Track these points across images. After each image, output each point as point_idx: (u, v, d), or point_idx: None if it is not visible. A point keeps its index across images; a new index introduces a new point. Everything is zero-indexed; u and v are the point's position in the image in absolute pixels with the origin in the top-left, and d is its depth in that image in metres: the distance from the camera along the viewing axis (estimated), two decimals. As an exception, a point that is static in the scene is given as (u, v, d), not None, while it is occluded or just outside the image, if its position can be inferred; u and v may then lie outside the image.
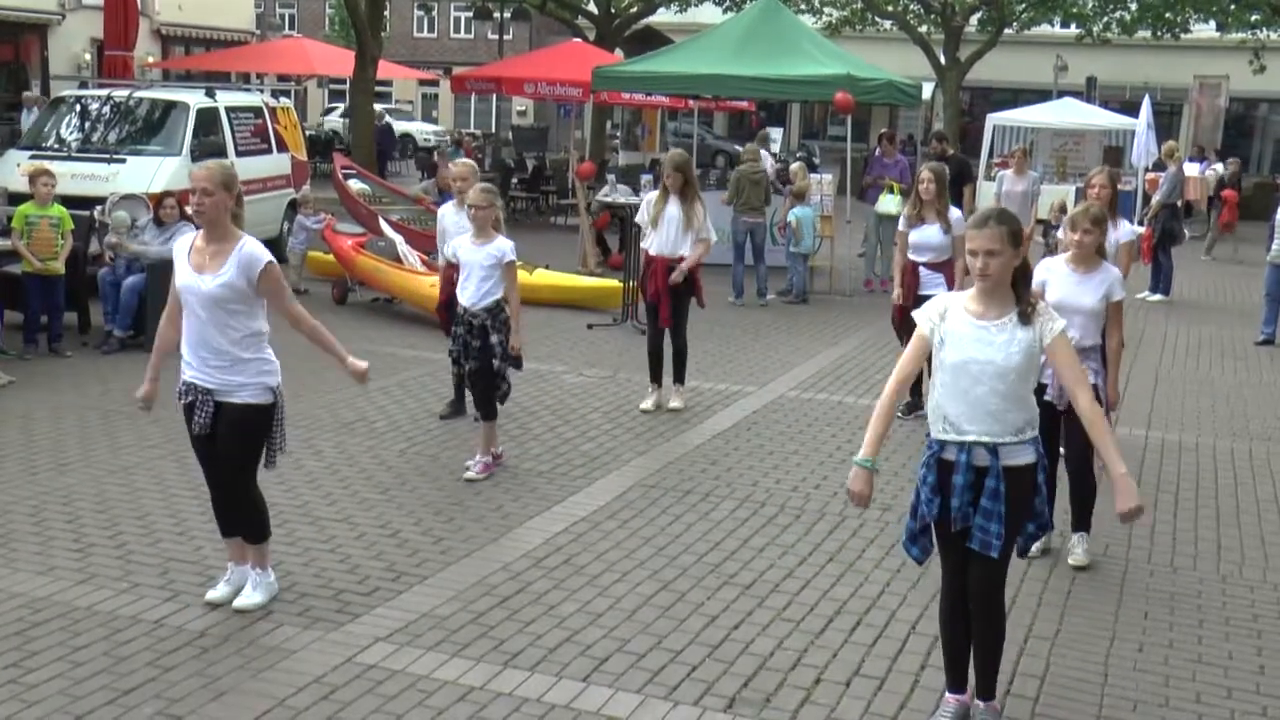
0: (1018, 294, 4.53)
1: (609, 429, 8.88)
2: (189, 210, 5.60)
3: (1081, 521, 6.65)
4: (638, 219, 9.64)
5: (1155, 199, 16.89)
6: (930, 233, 9.09)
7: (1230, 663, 5.53)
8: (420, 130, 43.24)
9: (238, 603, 5.56)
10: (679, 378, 9.57)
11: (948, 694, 4.88)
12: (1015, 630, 5.69)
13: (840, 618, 5.80)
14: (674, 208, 9.23)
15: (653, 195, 9.53)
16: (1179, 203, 17.46)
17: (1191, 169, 24.40)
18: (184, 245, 5.57)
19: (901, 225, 9.37)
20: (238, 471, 5.54)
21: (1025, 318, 4.49)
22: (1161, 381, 11.22)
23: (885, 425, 4.66)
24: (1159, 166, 20.97)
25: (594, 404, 9.56)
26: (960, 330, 4.53)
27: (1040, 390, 6.43)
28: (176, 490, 7.00)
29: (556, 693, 4.97)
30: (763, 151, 18.58)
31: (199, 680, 4.91)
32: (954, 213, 9.19)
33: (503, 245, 7.57)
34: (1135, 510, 4.45)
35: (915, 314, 4.73)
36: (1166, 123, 35.73)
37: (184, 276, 5.45)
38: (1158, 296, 16.21)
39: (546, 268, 14.57)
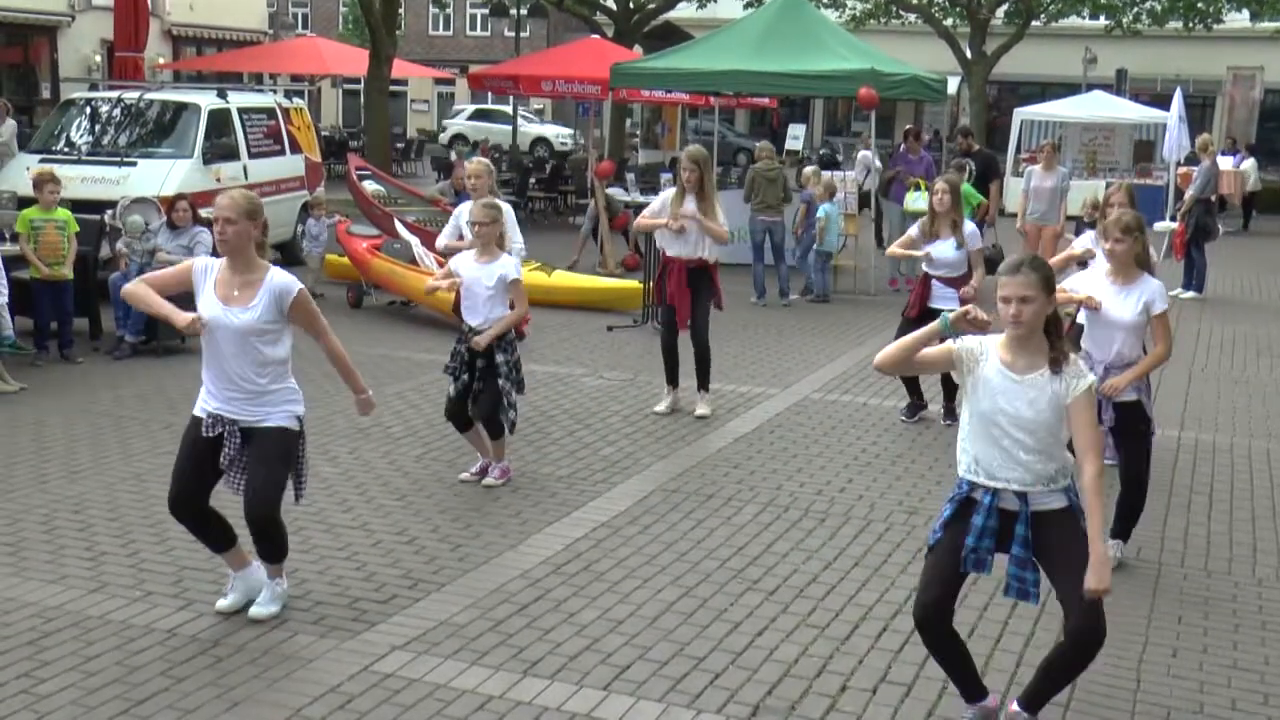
0: (1050, 341, 4.41)
1: (629, 433, 8.77)
2: (211, 225, 5.46)
3: (1123, 531, 6.51)
4: (646, 211, 9.45)
5: (1188, 194, 16.68)
6: (944, 248, 8.96)
7: (1266, 668, 5.41)
8: (557, 134, 42.28)
9: (253, 612, 5.48)
10: (703, 383, 9.37)
11: (967, 708, 4.78)
12: (1045, 635, 5.60)
13: (866, 623, 5.69)
14: (692, 207, 9.07)
15: (669, 194, 9.34)
16: (1213, 197, 17.24)
17: (1225, 163, 24.14)
18: (204, 271, 5.40)
19: (914, 231, 9.23)
20: (265, 504, 5.37)
21: (1055, 365, 4.38)
22: (1195, 380, 11.06)
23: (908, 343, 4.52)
24: (1191, 161, 20.76)
25: (614, 407, 9.46)
26: (991, 379, 4.42)
27: None
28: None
29: (577, 701, 4.87)
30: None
31: (213, 690, 4.84)
32: (968, 226, 9.08)
33: (506, 264, 7.31)
34: (1103, 591, 4.33)
35: (958, 343, 4.51)
36: (1199, 116, 35.43)
37: (211, 309, 5.31)
38: (1190, 293, 16.01)
39: (574, 264, 14.45)
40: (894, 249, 9.71)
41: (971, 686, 4.73)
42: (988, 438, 4.44)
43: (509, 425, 7.44)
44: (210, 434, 5.39)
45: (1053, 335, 4.43)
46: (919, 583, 4.67)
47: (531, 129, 41.94)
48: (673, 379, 9.42)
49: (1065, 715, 4.91)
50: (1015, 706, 4.70)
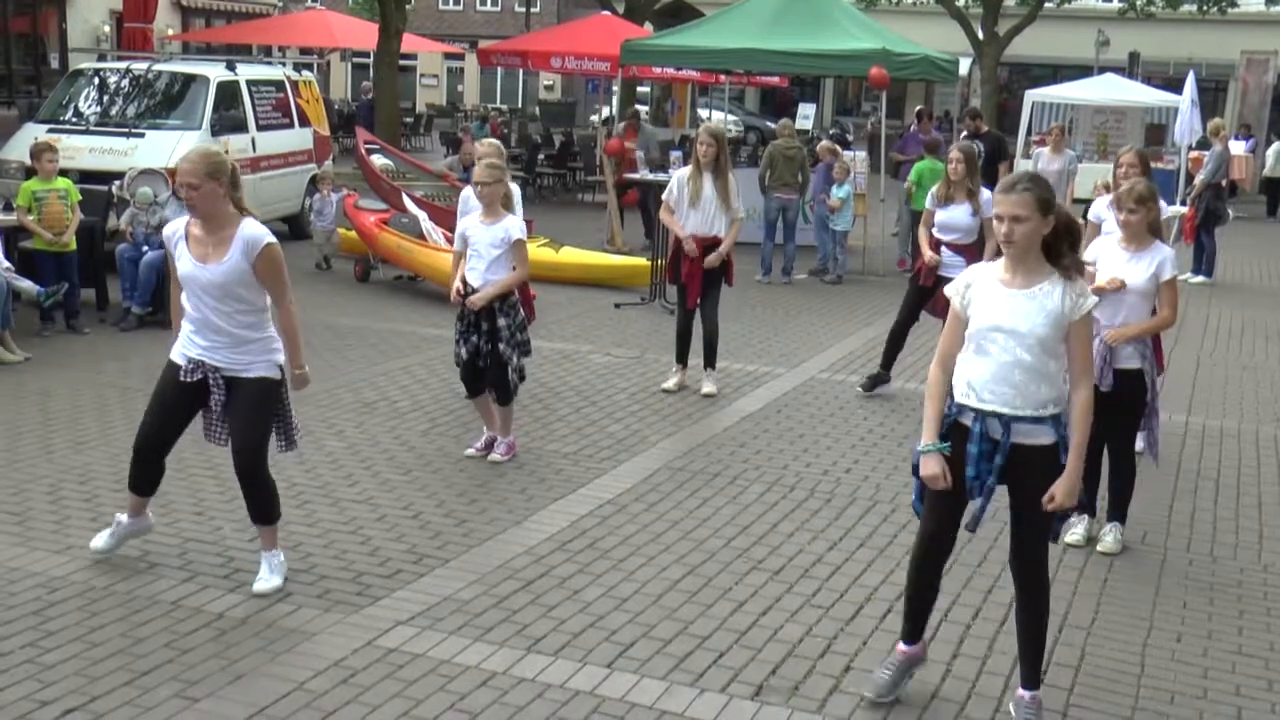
0: (1053, 261, 4.43)
1: (636, 410, 8.76)
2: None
3: (1118, 511, 6.51)
4: (664, 195, 9.42)
5: (1199, 178, 16.59)
6: (958, 213, 8.94)
7: (1271, 654, 5.40)
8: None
9: (255, 587, 5.47)
10: (710, 361, 9.36)
11: (900, 645, 4.87)
12: (1050, 619, 5.56)
13: (871, 604, 5.69)
14: (709, 186, 9.02)
15: (684, 172, 9.29)
16: (1224, 182, 17.16)
17: (1237, 147, 24.02)
18: (177, 230, 5.46)
19: (929, 204, 9.22)
20: (252, 452, 5.45)
21: (1067, 273, 4.40)
22: (1203, 366, 11.03)
23: (939, 405, 4.58)
24: (1203, 145, 20.65)
25: (621, 385, 9.44)
26: (988, 296, 4.46)
27: None
28: (195, 470, 6.92)
29: (580, 678, 4.87)
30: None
31: (217, 662, 4.84)
32: (985, 194, 9.01)
33: (510, 224, 7.32)
34: (1066, 505, 4.43)
35: (946, 289, 4.64)
36: (1211, 100, 35.23)
37: (186, 266, 5.37)
38: (1200, 278, 15.95)
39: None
40: (921, 232, 9.59)
41: (918, 628, 4.88)
42: (983, 356, 4.45)
43: (513, 388, 7.45)
44: (190, 379, 5.42)
45: (1062, 248, 4.42)
46: (927, 521, 4.71)
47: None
48: (683, 358, 9.41)
49: (1069, 699, 4.90)
50: (1020, 692, 4.70)
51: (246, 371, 5.41)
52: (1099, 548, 6.44)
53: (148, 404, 5.66)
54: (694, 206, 9.05)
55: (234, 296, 5.33)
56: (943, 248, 9.02)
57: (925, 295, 9.11)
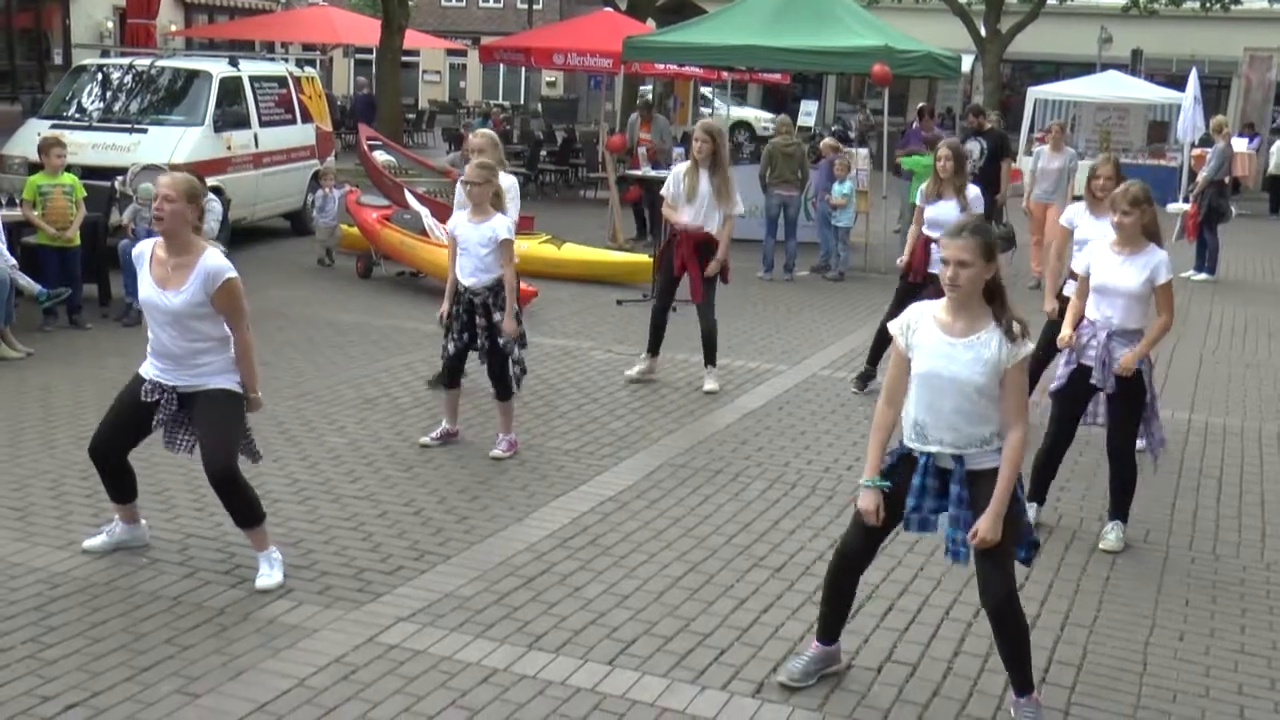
0: (994, 310, 4.46)
1: (638, 407, 8.75)
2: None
3: (1119, 510, 6.51)
4: (663, 191, 9.41)
5: (1202, 175, 16.57)
6: (947, 209, 8.94)
7: (1274, 652, 5.40)
8: (757, 117, 37.43)
9: (258, 584, 5.47)
10: (710, 359, 9.37)
11: (815, 642, 4.95)
12: (1052, 617, 5.59)
13: (872, 602, 5.67)
14: (705, 182, 9.03)
15: (682, 168, 9.30)
16: (1226, 179, 17.13)
17: (1240, 145, 23.98)
18: (144, 253, 5.52)
19: (919, 200, 9.25)
20: (223, 459, 5.45)
21: (1010, 335, 4.42)
22: (1206, 363, 11.01)
23: (882, 444, 4.67)
24: (1205, 142, 20.63)
25: (622, 381, 9.43)
26: (928, 343, 4.50)
27: (1085, 373, 6.32)
28: (196, 466, 6.84)
29: (581, 676, 4.87)
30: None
31: (218, 658, 4.84)
32: (971, 190, 9.07)
33: (498, 224, 7.34)
34: (989, 541, 4.42)
35: (890, 325, 4.68)
36: (1214, 97, 35.16)
37: (146, 290, 5.45)
38: (1203, 276, 15.92)
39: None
40: (912, 229, 9.62)
41: (833, 628, 4.93)
42: (926, 400, 4.50)
43: (515, 382, 7.47)
44: (148, 399, 5.50)
45: (998, 303, 4.46)
46: (853, 531, 4.80)
47: (732, 110, 36.78)
48: (654, 348, 9.45)
49: (1071, 697, 4.89)
50: (1011, 696, 4.70)
51: (205, 384, 5.47)
52: (1101, 545, 6.44)
53: (108, 409, 5.74)
54: (689, 202, 9.07)
55: (190, 328, 5.39)
56: (932, 245, 9.02)
57: (914, 292, 9.10)
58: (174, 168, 12.00)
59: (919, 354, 4.51)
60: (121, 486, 5.75)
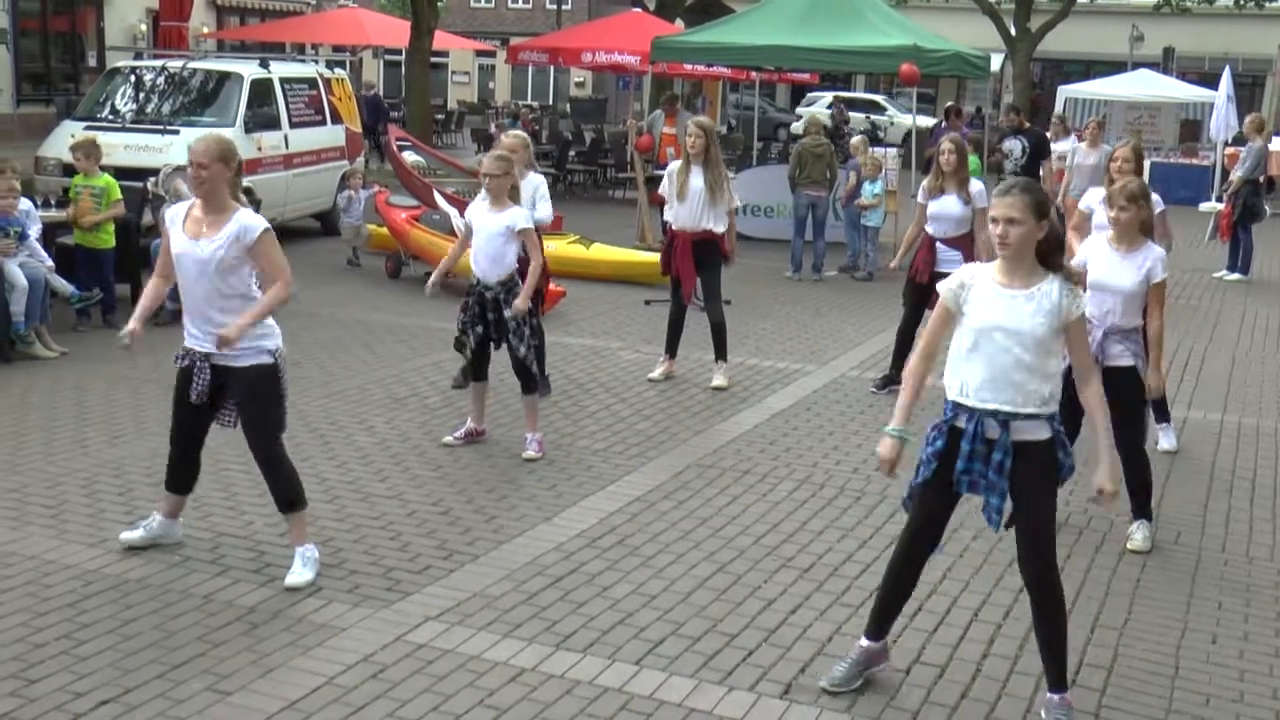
0: (1048, 266, 4.48)
1: (665, 407, 8.75)
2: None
3: (1141, 509, 6.45)
4: (661, 190, 9.44)
5: (1236, 174, 16.43)
6: (949, 204, 8.91)
7: (1308, 657, 5.34)
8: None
9: (288, 581, 5.50)
10: (720, 354, 9.37)
11: (863, 639, 4.91)
12: (1082, 618, 5.55)
13: (901, 603, 5.65)
14: (697, 178, 9.01)
15: (675, 166, 9.28)
16: (1261, 179, 16.97)
17: (1276, 144, 23.75)
18: (178, 213, 5.57)
19: (921, 197, 9.21)
20: (265, 438, 5.55)
21: (1067, 276, 4.46)
22: (1239, 364, 10.93)
23: (913, 394, 4.65)
24: (1239, 141, 20.46)
25: (650, 381, 9.43)
26: (986, 297, 4.48)
27: None
28: (228, 463, 6.96)
29: (609, 675, 4.87)
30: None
31: (248, 656, 4.86)
32: (974, 185, 9.01)
33: (515, 214, 7.37)
34: (1111, 494, 4.53)
35: (939, 285, 4.66)
36: (1248, 95, 34.88)
37: (180, 243, 5.48)
38: (1236, 275, 15.78)
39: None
40: (911, 227, 9.59)
41: (883, 625, 4.91)
42: (981, 356, 4.47)
43: (535, 375, 7.49)
44: (182, 364, 5.56)
45: (1054, 260, 4.48)
46: (914, 520, 4.77)
47: (904, 119, 33.92)
48: (671, 349, 9.47)
49: (1102, 700, 4.86)
50: (1048, 694, 4.68)
51: (236, 360, 5.49)
52: (1129, 545, 6.39)
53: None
54: (681, 200, 9.08)
55: (222, 278, 5.41)
56: (937, 243, 8.99)
57: (925, 292, 9.05)
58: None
59: (977, 309, 4.47)
60: (182, 474, 5.80)
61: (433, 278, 7.67)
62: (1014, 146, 15.23)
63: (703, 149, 9.00)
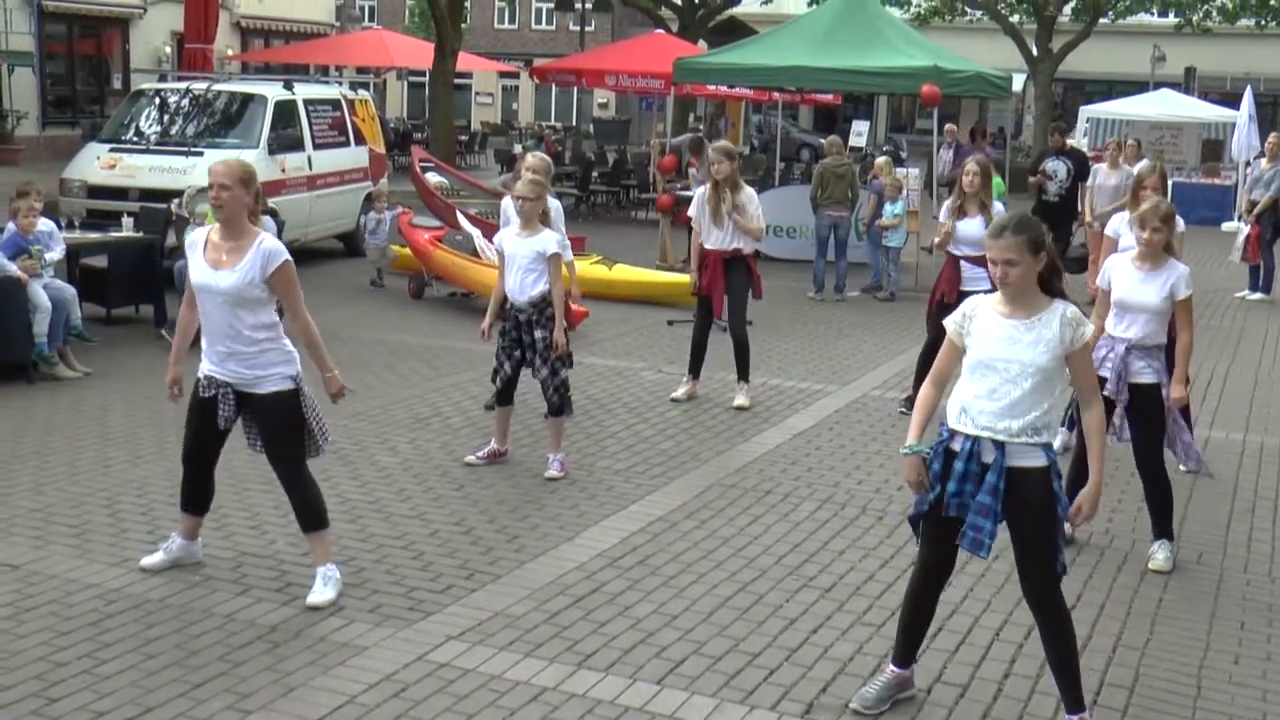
0: (1049, 292, 4.53)
1: (688, 427, 8.76)
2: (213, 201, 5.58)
3: (1162, 529, 6.44)
4: (690, 212, 9.52)
5: (1266, 195, 16.30)
6: (972, 226, 8.92)
7: (1333, 678, 5.30)
8: None
9: (310, 600, 5.52)
10: (742, 374, 9.41)
11: (890, 665, 4.92)
12: (1104, 638, 5.53)
13: (922, 624, 5.63)
14: (729, 203, 9.14)
15: (703, 192, 9.38)
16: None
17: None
18: (198, 239, 5.59)
19: (943, 216, 9.24)
20: (288, 463, 5.59)
21: (1070, 318, 4.48)
22: (1261, 384, 10.87)
23: (927, 414, 4.69)
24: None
25: (673, 401, 9.44)
26: (988, 328, 4.53)
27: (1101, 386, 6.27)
28: (250, 483, 6.99)
29: (630, 695, 4.87)
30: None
31: (269, 675, 4.88)
32: (997, 206, 9.08)
33: (547, 239, 7.41)
34: (1085, 516, 4.64)
35: (945, 321, 4.74)
36: (1270, 115, 34.79)
37: (199, 273, 5.50)
38: (1258, 295, 15.70)
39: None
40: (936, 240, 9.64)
41: (909, 651, 4.92)
42: (982, 384, 4.51)
43: (562, 399, 7.51)
44: (205, 394, 5.57)
45: (1055, 289, 4.54)
46: (923, 551, 4.80)
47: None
48: (695, 369, 9.52)
49: (1123, 720, 4.85)
50: (1066, 717, 4.66)
51: (257, 387, 5.52)
52: (1150, 565, 6.36)
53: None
54: (715, 224, 9.19)
55: (244, 308, 5.44)
56: (962, 262, 8.99)
57: (948, 312, 9.04)
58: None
59: (979, 340, 4.53)
60: (197, 496, 5.83)
61: (485, 322, 7.73)
62: (1057, 168, 15.12)
63: (729, 174, 9.14)
